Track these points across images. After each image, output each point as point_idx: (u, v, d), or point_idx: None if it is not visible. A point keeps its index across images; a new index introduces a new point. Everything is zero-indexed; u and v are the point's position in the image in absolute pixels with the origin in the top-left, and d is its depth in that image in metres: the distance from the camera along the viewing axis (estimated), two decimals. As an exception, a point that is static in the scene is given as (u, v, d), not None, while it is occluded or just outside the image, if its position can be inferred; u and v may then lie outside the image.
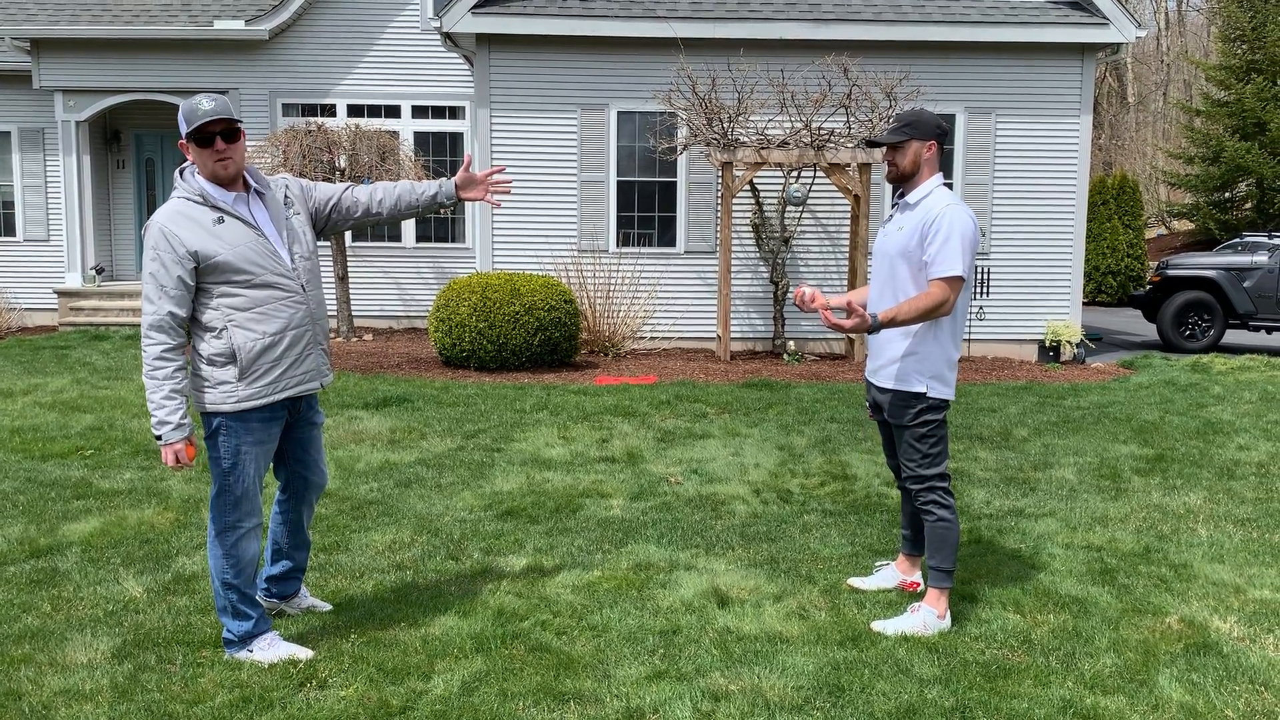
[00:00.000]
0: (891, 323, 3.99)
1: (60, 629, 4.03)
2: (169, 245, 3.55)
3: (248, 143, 3.71)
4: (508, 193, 4.17)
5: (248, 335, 3.65)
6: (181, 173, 3.70)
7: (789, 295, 12.58)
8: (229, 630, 3.80)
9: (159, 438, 3.59)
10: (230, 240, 3.61)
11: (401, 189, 4.05)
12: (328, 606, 4.28)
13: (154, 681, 3.59)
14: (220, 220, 3.62)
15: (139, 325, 14.49)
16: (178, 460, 3.61)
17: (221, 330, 3.63)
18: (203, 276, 3.60)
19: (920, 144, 4.12)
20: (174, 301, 3.57)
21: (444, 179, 4.09)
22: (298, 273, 3.77)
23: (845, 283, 12.64)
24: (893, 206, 4.31)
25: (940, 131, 4.16)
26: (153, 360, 3.58)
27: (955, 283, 4.01)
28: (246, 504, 3.75)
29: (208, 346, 3.65)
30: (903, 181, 4.19)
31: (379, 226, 4.01)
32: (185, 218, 3.59)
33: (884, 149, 4.21)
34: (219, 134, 3.59)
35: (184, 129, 3.60)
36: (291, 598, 4.20)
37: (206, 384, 3.67)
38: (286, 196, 3.86)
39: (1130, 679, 3.71)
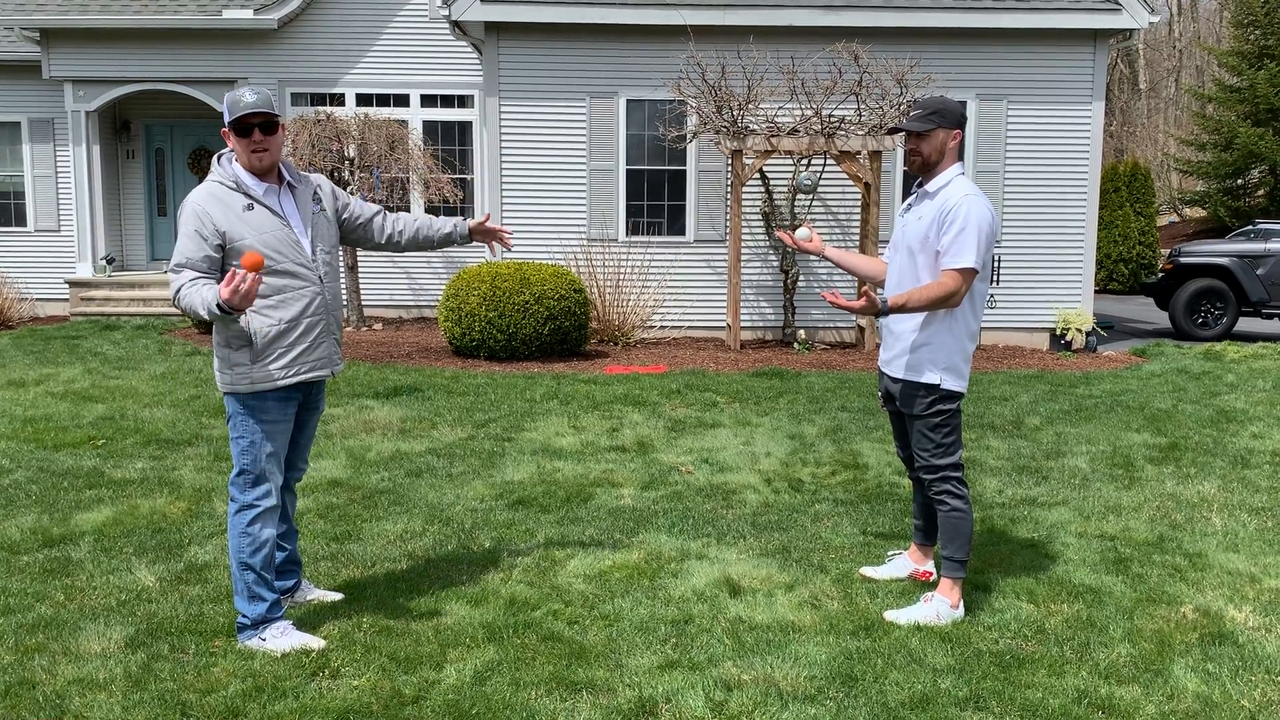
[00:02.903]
0: (901, 309, 3.97)
1: (74, 618, 4.04)
2: (200, 222, 3.70)
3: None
4: (509, 247, 4.38)
5: (264, 320, 3.77)
6: (219, 159, 3.85)
7: (799, 284, 12.54)
8: (243, 614, 3.81)
9: (223, 310, 3.53)
10: (257, 226, 3.75)
11: (421, 223, 4.24)
12: (337, 596, 4.28)
13: (167, 671, 3.59)
14: (250, 207, 3.77)
15: (150, 316, 14.58)
16: (242, 289, 3.46)
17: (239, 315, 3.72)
18: (228, 258, 3.73)
19: (946, 133, 4.09)
20: (196, 271, 3.69)
21: (459, 219, 4.30)
22: (317, 265, 3.90)
23: (855, 271, 12.58)
24: (910, 194, 4.27)
25: (964, 120, 4.14)
26: (182, 289, 3.63)
27: (968, 274, 3.98)
28: (265, 484, 3.84)
29: (226, 329, 3.78)
30: (925, 170, 4.15)
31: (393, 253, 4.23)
32: (217, 200, 3.74)
33: (906, 136, 4.17)
34: (257, 125, 3.75)
35: (226, 118, 3.75)
36: (294, 591, 4.21)
37: (224, 366, 3.82)
38: (316, 194, 4.01)
39: (1145, 669, 3.69)
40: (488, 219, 4.28)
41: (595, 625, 4.02)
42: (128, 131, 16.30)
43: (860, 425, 7.77)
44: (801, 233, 4.45)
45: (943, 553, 4.17)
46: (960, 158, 4.20)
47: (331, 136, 12.99)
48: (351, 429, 7.45)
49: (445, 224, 4.25)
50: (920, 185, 4.20)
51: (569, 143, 12.53)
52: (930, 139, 4.09)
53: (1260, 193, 27.40)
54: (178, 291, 3.66)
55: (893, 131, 4.23)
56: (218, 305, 3.53)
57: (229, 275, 3.49)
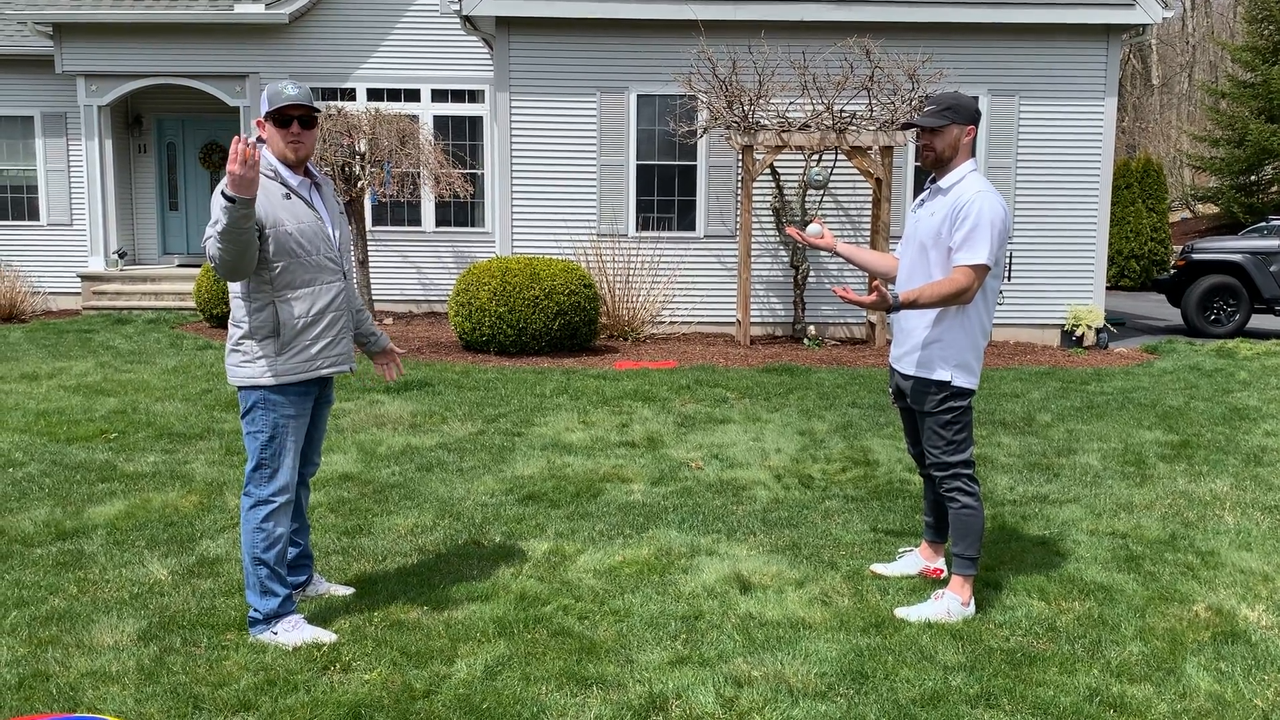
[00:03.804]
0: (912, 305, 3.96)
1: (86, 611, 4.06)
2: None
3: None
4: (390, 379, 4.35)
5: (292, 311, 3.78)
6: None
7: (809, 279, 12.52)
8: (255, 609, 3.82)
9: (232, 200, 3.43)
10: (295, 215, 3.78)
11: (359, 305, 4.16)
12: (348, 591, 4.29)
13: (179, 664, 3.61)
14: (288, 196, 3.79)
15: (161, 309, 14.63)
16: (243, 155, 3.38)
17: (267, 304, 3.76)
18: (264, 244, 3.72)
19: (960, 129, 4.07)
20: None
21: (385, 335, 4.35)
22: (343, 260, 3.95)
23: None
24: (924, 190, 4.26)
25: (978, 115, 4.12)
26: (208, 244, 3.58)
27: (980, 271, 3.96)
28: (282, 478, 3.83)
29: (251, 320, 3.77)
30: (937, 166, 4.13)
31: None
32: (258, 186, 3.66)
33: (919, 132, 4.15)
34: (297, 119, 3.78)
35: (264, 108, 3.78)
36: (305, 586, 4.23)
37: (245, 358, 3.79)
38: (336, 196, 4.05)
39: (1157, 667, 3.68)
40: (394, 353, 4.33)
41: (605, 621, 4.02)
42: (140, 126, 16.35)
43: (871, 421, 7.76)
44: (813, 229, 4.44)
45: (953, 550, 4.16)
46: (973, 154, 4.18)
47: (343, 131, 12.99)
48: (362, 423, 7.47)
49: (373, 326, 4.24)
50: (933, 181, 4.19)
51: (579, 138, 12.52)
52: (944, 135, 4.07)
53: (1274, 189, 27.26)
54: (206, 247, 3.59)
55: (906, 127, 4.22)
56: (223, 194, 3.43)
57: (233, 149, 3.38)
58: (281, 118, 3.76)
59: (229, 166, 3.40)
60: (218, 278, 12.69)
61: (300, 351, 3.80)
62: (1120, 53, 12.67)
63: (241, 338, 3.79)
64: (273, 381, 3.77)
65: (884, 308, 3.93)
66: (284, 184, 3.79)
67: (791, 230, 4.46)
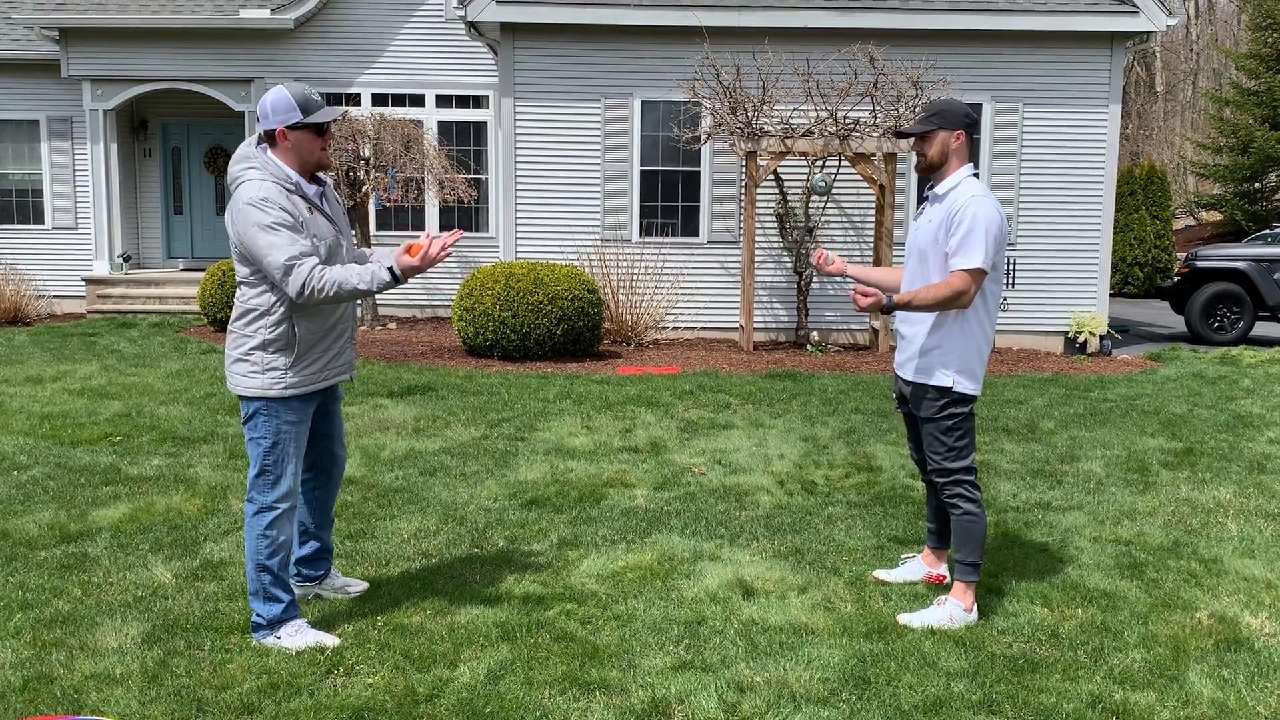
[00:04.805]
0: (907, 306, 3.99)
1: (90, 614, 4.07)
2: (287, 216, 3.61)
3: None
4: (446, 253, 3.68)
5: (308, 326, 3.76)
6: (257, 152, 3.73)
7: (812, 286, 12.52)
8: (258, 614, 3.83)
9: (397, 277, 3.55)
10: (318, 232, 3.73)
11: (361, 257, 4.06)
12: (363, 585, 4.32)
13: (183, 667, 3.62)
14: (310, 210, 3.74)
15: (166, 313, 14.66)
16: (442, 255, 3.54)
17: (285, 319, 3.72)
18: None
19: (948, 134, 4.08)
20: (316, 258, 3.62)
21: (383, 265, 3.66)
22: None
23: (869, 273, 12.56)
24: (923, 198, 4.28)
25: (969, 121, 4.11)
26: (312, 273, 3.56)
27: (976, 275, 3.97)
28: (285, 485, 3.82)
29: (266, 332, 3.72)
30: (931, 172, 4.16)
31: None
32: (285, 198, 3.66)
33: (913, 139, 4.17)
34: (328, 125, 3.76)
35: (294, 117, 3.67)
36: (322, 579, 4.25)
37: (254, 369, 3.74)
38: (337, 196, 4.03)
39: (1160, 674, 3.68)
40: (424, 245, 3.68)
41: (608, 625, 4.03)
42: (145, 130, 16.39)
43: (874, 427, 7.76)
44: (825, 254, 4.45)
45: (956, 556, 4.16)
46: (971, 160, 4.19)
47: (347, 136, 13.03)
48: (366, 427, 7.48)
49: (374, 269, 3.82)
50: (930, 188, 4.21)
51: (583, 143, 12.54)
52: (931, 140, 4.10)
53: (1278, 196, 27.26)
54: (306, 278, 3.53)
55: (899, 135, 4.24)
56: (389, 271, 3.51)
57: (408, 247, 3.49)
58: (321, 126, 3.71)
59: (419, 264, 3.50)
60: (220, 281, 12.71)
61: (310, 364, 3.79)
62: (1124, 60, 12.69)
63: (252, 348, 3.72)
64: (280, 394, 3.74)
65: (879, 308, 3.96)
66: (304, 197, 3.72)
67: (814, 259, 4.45)
